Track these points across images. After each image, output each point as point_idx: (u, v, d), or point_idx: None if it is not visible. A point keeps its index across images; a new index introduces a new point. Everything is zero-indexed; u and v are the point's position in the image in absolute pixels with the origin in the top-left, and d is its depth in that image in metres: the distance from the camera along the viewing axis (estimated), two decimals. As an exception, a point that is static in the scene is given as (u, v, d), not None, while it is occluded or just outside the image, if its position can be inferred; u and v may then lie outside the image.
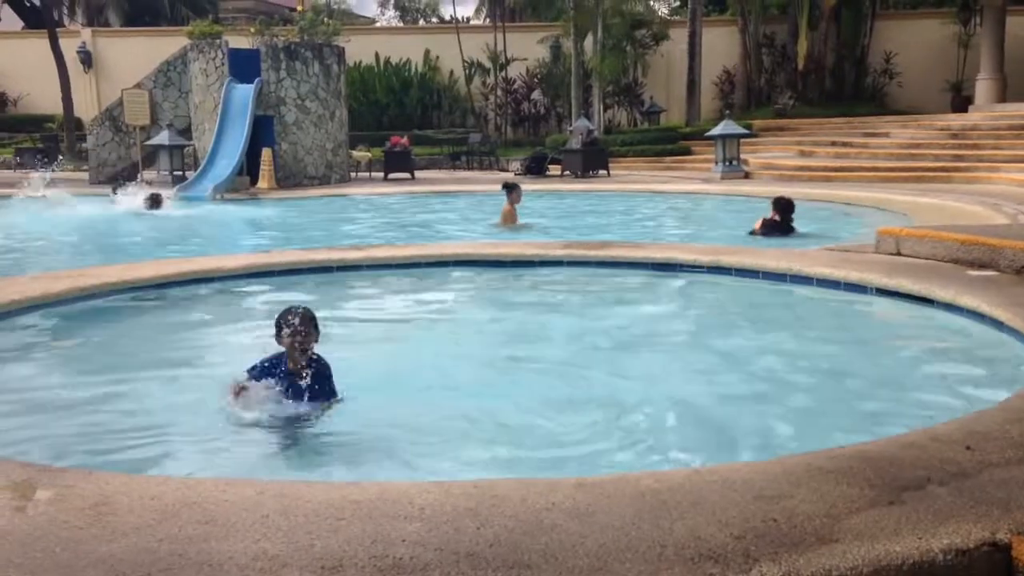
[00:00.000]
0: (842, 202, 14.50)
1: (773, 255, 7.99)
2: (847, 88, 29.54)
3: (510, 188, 12.16)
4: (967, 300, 5.92)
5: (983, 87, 24.87)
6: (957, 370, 5.12)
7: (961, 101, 27.41)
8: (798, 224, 10.78)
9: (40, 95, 31.61)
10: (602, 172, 22.02)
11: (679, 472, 3.07)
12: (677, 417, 4.45)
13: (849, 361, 5.36)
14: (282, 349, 4.56)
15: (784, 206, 10.53)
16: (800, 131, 25.54)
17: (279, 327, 4.55)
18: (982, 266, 6.91)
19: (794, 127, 26.14)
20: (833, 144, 22.65)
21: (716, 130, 20.92)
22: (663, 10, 34.35)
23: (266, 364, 4.57)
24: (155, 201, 15.44)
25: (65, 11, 36.65)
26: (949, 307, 6.06)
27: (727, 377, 5.09)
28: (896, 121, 24.59)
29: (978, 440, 3.21)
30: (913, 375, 5.08)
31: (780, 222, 10.43)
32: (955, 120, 22.87)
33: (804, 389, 4.85)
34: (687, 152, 25.18)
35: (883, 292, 6.63)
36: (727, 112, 23.84)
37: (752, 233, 10.65)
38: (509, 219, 11.99)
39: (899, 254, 7.72)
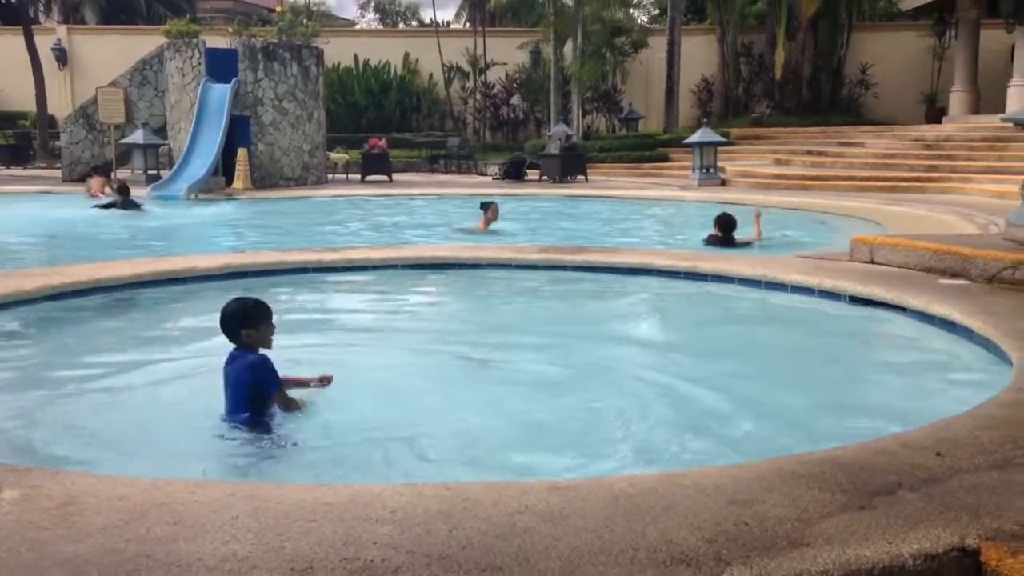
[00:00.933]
0: (817, 210, 14.62)
1: (748, 262, 8.04)
2: (823, 98, 29.81)
3: (485, 206, 12.20)
4: (939, 308, 5.97)
5: (957, 99, 25.18)
6: (928, 377, 5.17)
7: (935, 112, 27.73)
8: (769, 235, 10.81)
9: (13, 92, 31.25)
10: (580, 178, 22.07)
11: (652, 476, 3.07)
12: (650, 421, 4.46)
13: (821, 367, 5.39)
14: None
15: (725, 224, 10.57)
16: (777, 140, 25.74)
17: (266, 317, 4.33)
18: (954, 275, 6.98)
19: (771, 136, 26.34)
20: (809, 153, 22.84)
21: (694, 138, 21.04)
22: (643, 18, 34.57)
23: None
24: (124, 192, 15.36)
25: (41, 8, 36.30)
26: (921, 315, 6.11)
27: (700, 382, 5.10)
28: (871, 131, 24.84)
29: (948, 446, 3.23)
30: (885, 382, 5.12)
31: (722, 238, 10.49)
32: (929, 131, 23.14)
33: (776, 394, 4.87)
34: (665, 159, 25.30)
35: (856, 300, 6.68)
36: (705, 120, 24.02)
37: (705, 242, 10.66)
38: (485, 228, 12.02)
39: (873, 262, 7.79)
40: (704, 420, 4.46)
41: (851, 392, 4.91)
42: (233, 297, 4.52)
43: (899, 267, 7.47)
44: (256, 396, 4.18)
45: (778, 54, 28.61)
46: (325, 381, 4.54)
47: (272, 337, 4.36)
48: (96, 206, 15.37)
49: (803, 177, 19.79)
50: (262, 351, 4.28)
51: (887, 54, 30.29)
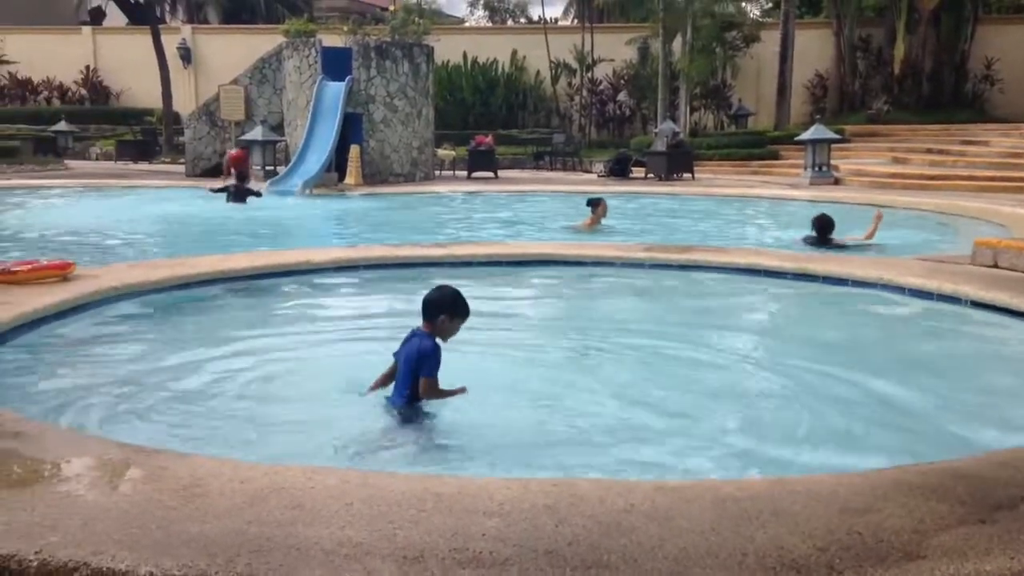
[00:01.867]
0: (937, 211, 14.07)
1: (864, 263, 7.81)
2: (945, 94, 28.59)
3: (594, 203, 12.08)
4: (1069, 316, 5.69)
5: (1091, 95, 23.83)
6: (1056, 388, 4.93)
7: (1067, 110, 26.31)
8: (885, 236, 10.43)
9: (141, 89, 32.81)
10: (687, 175, 21.80)
11: (761, 481, 3.03)
12: (760, 425, 4.39)
13: (942, 375, 5.20)
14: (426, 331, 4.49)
15: (821, 225, 10.25)
16: (894, 137, 24.86)
17: (463, 316, 4.56)
18: (1086, 281, 6.63)
19: (888, 133, 25.45)
20: (929, 151, 21.98)
21: (806, 135, 20.51)
22: (755, 12, 33.83)
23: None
24: (242, 179, 16.05)
25: (167, 8, 37.97)
26: (1049, 323, 5.84)
27: (814, 387, 4.99)
28: (996, 129, 23.73)
29: (1077, 461, 3.09)
30: (1007, 391, 4.91)
31: (819, 240, 10.17)
32: (1060, 129, 21.98)
33: (893, 402, 4.73)
34: (775, 156, 24.74)
35: (978, 305, 6.42)
36: (818, 117, 23.40)
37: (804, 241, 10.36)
38: (592, 226, 11.94)
39: (996, 266, 7.47)
40: (815, 426, 4.36)
41: (971, 402, 4.73)
42: (450, 285, 4.76)
43: (1025, 272, 7.14)
44: (414, 375, 4.36)
45: (897, 48, 27.59)
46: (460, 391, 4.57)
47: (454, 335, 4.60)
48: (212, 189, 16.08)
49: (922, 176, 19.07)
50: (439, 341, 4.49)
51: (1014, 48, 28.85)
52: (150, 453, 3.30)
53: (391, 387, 4.56)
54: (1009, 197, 15.56)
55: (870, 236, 10.33)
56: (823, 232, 10.18)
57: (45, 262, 7.02)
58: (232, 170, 17.43)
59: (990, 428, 4.31)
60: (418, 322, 4.57)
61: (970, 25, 29.19)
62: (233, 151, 19.40)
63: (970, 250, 7.92)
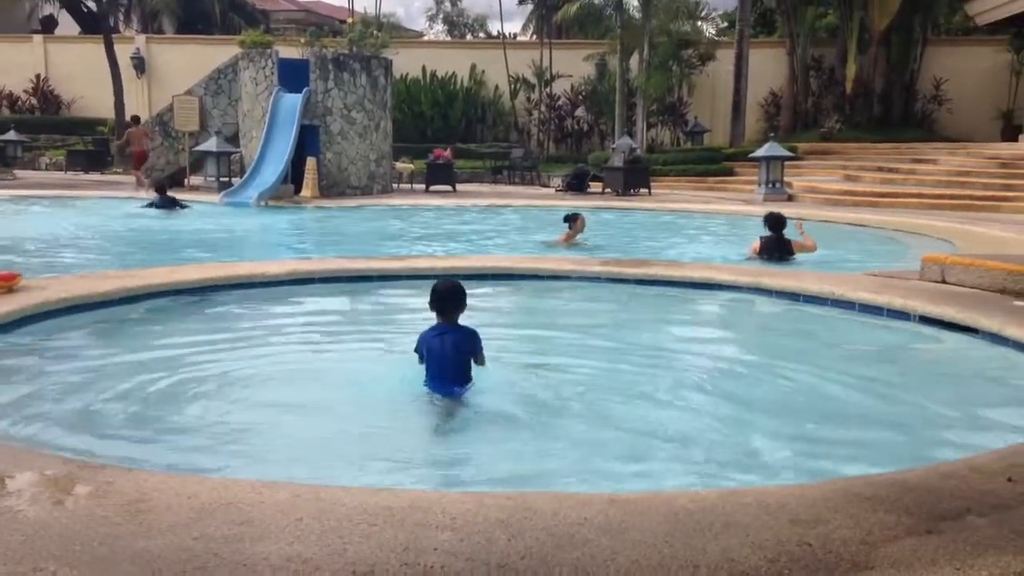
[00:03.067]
0: (887, 228, 14.33)
1: (814, 278, 7.92)
2: (895, 113, 29.22)
3: (571, 218, 11.88)
4: (1013, 331, 5.82)
5: (1035, 116, 24.50)
6: (1000, 401, 5.03)
7: (1012, 130, 27.01)
8: (836, 252, 10.62)
9: (93, 99, 32.32)
10: (643, 191, 21.98)
11: (713, 492, 3.04)
12: (709, 437, 4.42)
13: (889, 388, 5.28)
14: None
15: (776, 221, 10.43)
16: (846, 155, 25.31)
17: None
18: (1029, 297, 6.79)
19: (840, 151, 25.91)
20: (879, 169, 22.41)
21: (760, 152, 20.81)
22: (710, 31, 34.30)
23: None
24: (161, 191, 16.61)
25: (121, 17, 37.47)
26: (994, 337, 5.96)
27: (762, 399, 5.04)
28: (945, 148, 24.28)
29: (1019, 472, 3.15)
30: (955, 404, 4.99)
31: (778, 240, 10.32)
32: (1005, 149, 22.54)
33: (842, 415, 4.79)
34: (730, 173, 25.06)
35: (927, 320, 6.54)
36: (772, 134, 23.73)
37: (749, 258, 10.43)
38: (568, 241, 11.86)
39: (944, 282, 7.61)
40: (766, 438, 4.40)
41: (919, 414, 4.80)
42: (451, 280, 5.07)
43: (972, 288, 7.29)
44: (462, 358, 4.68)
45: (849, 68, 28.14)
46: None
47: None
48: (142, 205, 16.60)
49: (873, 194, 19.43)
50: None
51: (962, 69, 29.60)
52: (95, 468, 3.22)
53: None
54: (957, 214, 15.92)
55: (813, 245, 10.45)
56: (777, 228, 10.34)
57: (-10, 273, 6.85)
58: (129, 148, 17.76)
59: (937, 440, 4.39)
60: (382, 334, 4.58)
61: (919, 46, 29.91)
62: (136, 129, 19.66)
63: (919, 266, 8.06)
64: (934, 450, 4.12)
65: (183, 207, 16.76)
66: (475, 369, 4.91)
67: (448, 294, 4.82)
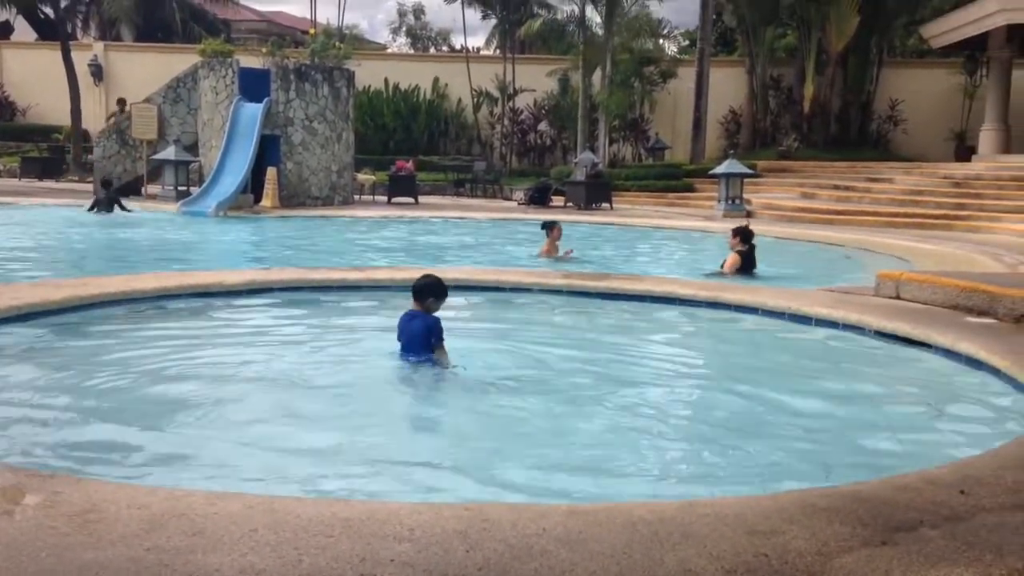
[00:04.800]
0: (843, 244, 14.54)
1: (772, 293, 8.01)
2: (852, 133, 29.72)
3: (549, 226, 11.88)
4: (965, 346, 5.92)
5: (987, 137, 25.05)
6: (953, 414, 5.11)
7: (965, 150, 27.59)
8: (793, 268, 10.80)
9: (49, 106, 31.79)
10: (605, 205, 22.10)
11: (671, 504, 3.05)
12: (669, 449, 4.44)
13: (845, 402, 5.34)
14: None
15: (748, 233, 10.61)
16: (803, 173, 25.68)
17: (444, 297, 5.87)
18: (981, 313, 6.92)
19: (797, 169, 26.28)
20: (836, 187, 22.76)
21: (720, 168, 21.03)
22: (672, 49, 34.68)
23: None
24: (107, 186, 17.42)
25: (79, 24, 36.94)
26: (947, 352, 6.06)
27: (720, 412, 5.08)
28: (899, 167, 24.72)
29: (972, 484, 3.20)
30: (908, 418, 5.07)
31: (750, 250, 10.48)
32: (958, 169, 23.01)
33: (798, 427, 4.84)
34: (690, 189, 25.30)
35: (881, 335, 6.64)
36: (731, 151, 24.02)
37: (719, 273, 10.51)
38: (550, 253, 11.85)
39: (899, 298, 7.74)
40: (723, 450, 4.43)
41: (874, 427, 4.86)
42: (433, 274, 6.13)
43: (925, 304, 7.41)
44: (427, 343, 5.67)
45: (807, 87, 28.59)
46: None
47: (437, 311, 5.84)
48: (86, 209, 17.39)
49: (829, 211, 19.72)
50: (435, 314, 5.81)
51: (917, 90, 30.22)
52: (44, 477, 3.15)
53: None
54: (911, 232, 16.21)
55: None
56: (749, 241, 10.48)
57: (-62, 280, 6.71)
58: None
59: (891, 452, 4.44)
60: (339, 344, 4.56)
61: (875, 68, 30.49)
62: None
63: (874, 282, 8.19)
64: (888, 462, 4.17)
65: (124, 209, 17.46)
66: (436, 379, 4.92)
67: (421, 285, 5.87)
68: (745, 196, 21.16)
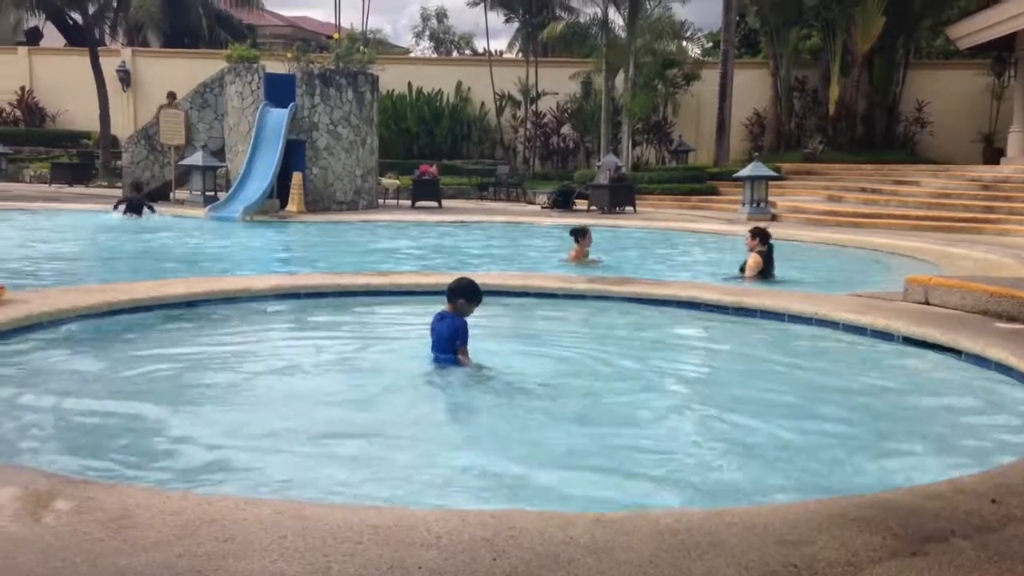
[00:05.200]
0: (870, 248, 14.43)
1: (797, 298, 7.96)
2: (878, 135, 29.50)
3: (581, 233, 11.79)
4: (995, 352, 5.86)
5: (1016, 139, 24.77)
6: (984, 422, 5.06)
7: (993, 153, 27.30)
8: (819, 272, 10.73)
9: (78, 111, 32.19)
10: (628, 209, 22.06)
11: (699, 512, 3.05)
12: (696, 457, 4.43)
13: (873, 408, 5.31)
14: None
15: (765, 234, 10.54)
16: (829, 176, 25.50)
17: (478, 301, 5.97)
18: (1011, 319, 6.84)
19: (823, 172, 26.10)
20: (862, 190, 22.59)
21: (744, 171, 20.94)
22: (695, 51, 34.58)
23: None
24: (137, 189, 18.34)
25: (107, 30, 37.38)
26: (977, 359, 6.00)
27: (748, 419, 5.05)
28: (927, 170, 24.50)
29: (1004, 494, 3.17)
30: (938, 425, 5.02)
31: (768, 252, 10.42)
32: (987, 171, 22.77)
33: (826, 435, 4.81)
34: (714, 192, 25.20)
35: (910, 341, 6.58)
36: (756, 154, 23.92)
37: (739, 277, 10.45)
38: (579, 259, 11.79)
39: (927, 303, 7.67)
40: (748, 458, 4.41)
41: (903, 435, 4.83)
42: (468, 276, 6.24)
43: (954, 309, 7.34)
44: (452, 344, 5.76)
45: (832, 89, 28.41)
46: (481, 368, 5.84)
47: (470, 314, 5.97)
48: (113, 206, 18.04)
49: (856, 214, 19.57)
50: (464, 318, 5.91)
51: (944, 92, 29.94)
52: (77, 483, 3.19)
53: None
54: (938, 236, 16.06)
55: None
56: (767, 241, 10.45)
57: (-28, 286, 6.80)
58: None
59: (922, 460, 4.40)
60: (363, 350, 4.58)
61: (902, 69, 30.23)
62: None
63: (902, 287, 8.12)
64: (918, 471, 4.13)
65: (152, 210, 17.96)
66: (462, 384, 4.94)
67: (453, 286, 6.00)
68: (770, 199, 21.06)
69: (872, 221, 18.73)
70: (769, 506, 3.13)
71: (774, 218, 20.20)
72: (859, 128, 29.22)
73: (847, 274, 11.82)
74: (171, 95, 23.68)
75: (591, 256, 11.82)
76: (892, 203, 20.89)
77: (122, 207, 17.81)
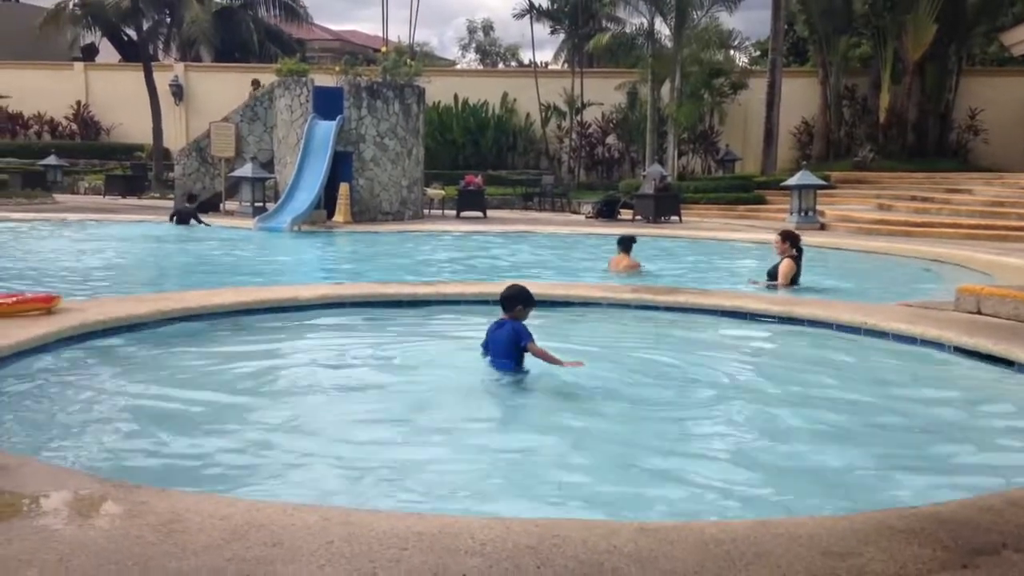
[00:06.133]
0: (921, 258, 14.19)
1: (848, 308, 7.86)
2: (930, 143, 28.99)
3: (626, 242, 11.76)
4: (1050, 363, 5.73)
5: (1072, 147, 24.19)
6: (1038, 435, 4.95)
7: (1049, 160, 26.68)
8: (869, 282, 10.56)
9: (132, 125, 32.93)
10: (674, 218, 21.95)
11: (744, 523, 3.02)
12: (742, 466, 4.39)
13: (924, 419, 5.22)
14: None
15: (796, 237, 10.41)
16: (880, 184, 25.13)
17: (532, 306, 6.18)
18: (1067, 329, 6.69)
19: (873, 180, 25.73)
20: (914, 199, 22.22)
21: (792, 180, 20.73)
22: (743, 60, 34.33)
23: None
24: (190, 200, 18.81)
25: (160, 46, 38.22)
26: (1031, 370, 5.88)
27: (795, 429, 5.00)
28: (980, 178, 24.04)
29: (1058, 507, 3.10)
30: (991, 437, 4.92)
31: (799, 254, 10.27)
32: (1042, 179, 22.27)
33: (875, 446, 4.74)
34: (761, 201, 24.96)
35: (961, 351, 6.47)
36: (804, 163, 23.63)
37: (771, 285, 10.30)
38: (619, 267, 11.76)
39: (979, 313, 7.53)
40: (795, 468, 4.36)
41: (953, 446, 4.74)
42: (519, 284, 6.41)
43: (1008, 319, 7.20)
44: (516, 347, 5.91)
45: (883, 97, 28.01)
46: (576, 364, 5.95)
47: (526, 319, 6.11)
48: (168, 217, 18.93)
49: (907, 223, 19.26)
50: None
51: (998, 99, 29.35)
52: (129, 488, 3.27)
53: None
54: (992, 245, 15.73)
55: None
56: (797, 244, 10.40)
57: (30, 295, 6.99)
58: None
59: (972, 472, 4.32)
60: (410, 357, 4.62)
61: (954, 76, 29.69)
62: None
63: (953, 297, 7.98)
64: (969, 482, 4.06)
65: (200, 223, 18.48)
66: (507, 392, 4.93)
67: (508, 294, 6.18)
68: (818, 208, 20.81)
69: (923, 230, 18.41)
70: (815, 517, 3.09)
71: (823, 227, 19.97)
72: (910, 136, 28.75)
73: (897, 284, 11.63)
74: (255, 83, 24.59)
75: (634, 263, 11.78)
76: (944, 212, 20.53)
77: (175, 219, 18.41)
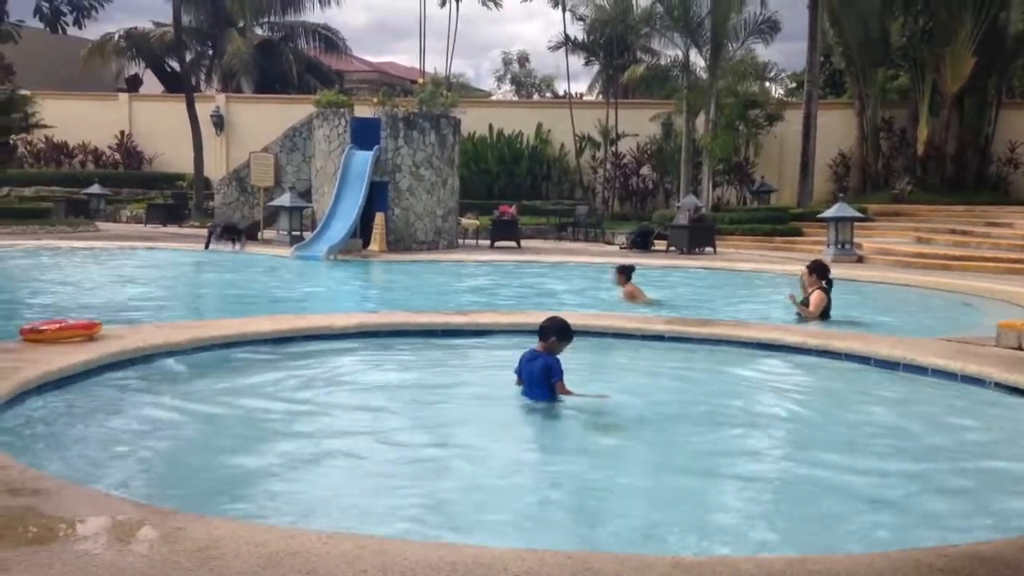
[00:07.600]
0: (960, 292, 13.99)
1: (886, 342, 7.77)
2: (969, 176, 28.64)
3: (629, 271, 12.00)
4: (1095, 401, 5.62)
5: (1116, 180, 23.80)
6: (1082, 474, 4.84)
7: (1091, 193, 26.26)
8: (907, 316, 10.42)
9: (174, 155, 33.50)
10: (708, 249, 21.86)
11: (780, 559, 2.99)
12: (778, 502, 4.34)
13: (964, 456, 5.13)
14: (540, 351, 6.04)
15: (825, 268, 10.28)
16: (918, 217, 24.86)
17: (568, 340, 6.12)
18: (1112, 366, 6.56)
19: (911, 213, 25.46)
20: (953, 232, 21.95)
21: (829, 212, 20.57)
22: (778, 91, 34.27)
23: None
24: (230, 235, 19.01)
25: (202, 77, 38.95)
26: (1075, 407, 5.76)
27: (831, 466, 4.94)
28: (1020, 212, 23.70)
29: (1104, 549, 3.04)
30: (1034, 476, 4.83)
31: (828, 286, 10.14)
32: (1085, 213, 21.91)
33: (915, 482, 4.67)
34: (797, 233, 24.76)
35: (1002, 387, 6.36)
36: (841, 195, 23.45)
37: (801, 318, 10.19)
38: (629, 298, 11.82)
39: (1021, 349, 7.41)
40: (833, 505, 4.31)
41: (995, 484, 4.66)
42: (559, 316, 6.36)
43: (1050, 355, 7.07)
44: (544, 382, 5.89)
45: (921, 130, 27.78)
46: (602, 397, 6.10)
47: (560, 352, 6.09)
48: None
49: (946, 257, 19.01)
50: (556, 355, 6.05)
51: (1039, 132, 29.01)
52: (167, 514, 3.31)
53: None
54: (1034, 279, 15.47)
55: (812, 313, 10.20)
56: (825, 275, 10.27)
57: (72, 322, 7.12)
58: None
59: (1015, 511, 4.24)
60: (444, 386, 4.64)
61: (994, 109, 29.39)
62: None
63: (994, 332, 7.86)
64: (1011, 522, 3.98)
65: (237, 246, 19.16)
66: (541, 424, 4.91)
67: (546, 325, 6.15)
68: (856, 240, 20.62)
69: (962, 264, 18.16)
70: (852, 555, 3.05)
71: (860, 260, 19.78)
72: (949, 168, 28.44)
73: (936, 318, 11.47)
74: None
75: (647, 295, 11.79)
76: (984, 245, 20.25)
77: (220, 231, 18.97)
